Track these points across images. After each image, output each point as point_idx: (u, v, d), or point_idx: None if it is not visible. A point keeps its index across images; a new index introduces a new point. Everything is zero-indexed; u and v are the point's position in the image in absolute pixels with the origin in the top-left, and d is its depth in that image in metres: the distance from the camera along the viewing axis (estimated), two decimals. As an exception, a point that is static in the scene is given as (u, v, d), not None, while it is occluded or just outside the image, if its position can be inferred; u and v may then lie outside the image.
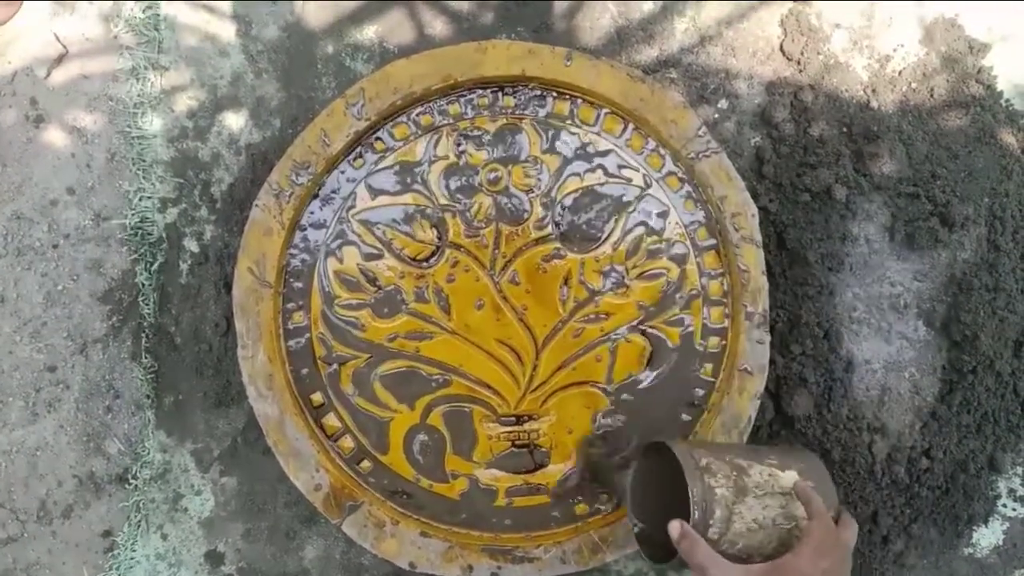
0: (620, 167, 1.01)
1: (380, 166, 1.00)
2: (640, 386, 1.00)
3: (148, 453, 1.03)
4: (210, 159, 1.05)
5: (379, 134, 1.00)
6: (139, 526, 1.03)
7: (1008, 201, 1.07)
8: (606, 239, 1.00)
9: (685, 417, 1.00)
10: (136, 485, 1.03)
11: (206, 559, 1.03)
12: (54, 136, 1.05)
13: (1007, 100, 1.10)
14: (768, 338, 0.99)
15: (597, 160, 1.01)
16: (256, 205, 0.97)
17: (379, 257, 0.99)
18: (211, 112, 1.06)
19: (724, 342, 1.00)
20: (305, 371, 0.98)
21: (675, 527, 0.77)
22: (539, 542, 0.97)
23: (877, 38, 1.09)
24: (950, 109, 1.08)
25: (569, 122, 1.01)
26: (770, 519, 0.78)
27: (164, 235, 1.04)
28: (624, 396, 1.00)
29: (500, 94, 1.01)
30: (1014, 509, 1.09)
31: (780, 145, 1.06)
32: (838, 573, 0.74)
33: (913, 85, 1.08)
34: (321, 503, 0.95)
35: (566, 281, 1.00)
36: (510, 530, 0.98)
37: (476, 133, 1.00)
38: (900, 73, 1.09)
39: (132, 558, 1.03)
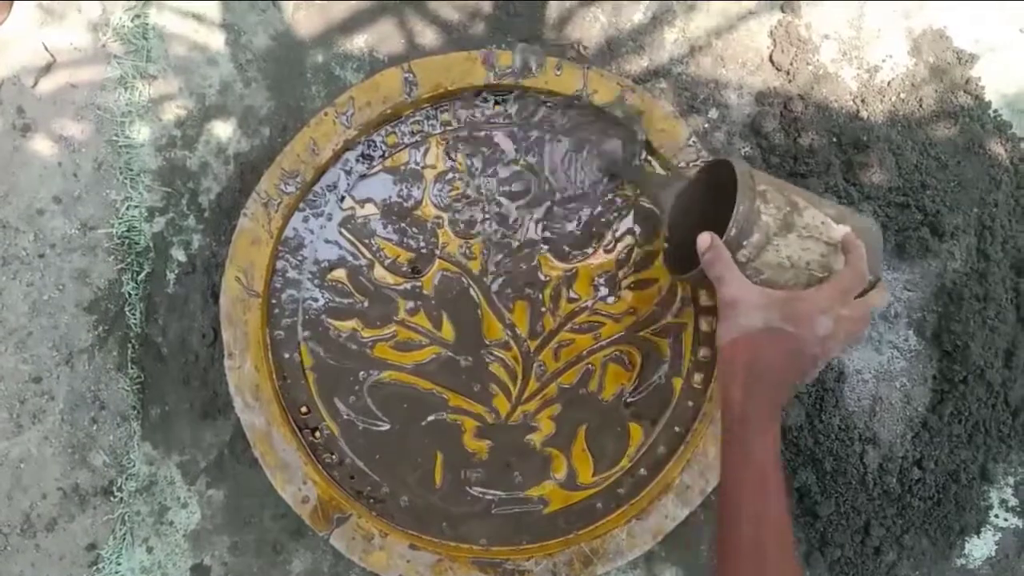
0: (611, 175, 1.01)
1: (369, 175, 0.99)
2: (633, 396, 0.99)
3: (134, 465, 1.02)
4: (198, 168, 1.05)
5: (368, 143, 1.00)
6: (124, 539, 1.02)
7: (997, 211, 1.07)
8: (597, 248, 1.00)
9: (677, 429, 0.99)
10: (121, 498, 1.02)
11: (192, 573, 1.01)
12: (41, 145, 1.05)
13: (995, 111, 1.10)
14: (759, 348, 0.98)
15: (587, 168, 1.01)
16: (244, 214, 0.96)
17: (369, 267, 0.99)
18: (199, 121, 1.05)
19: (715, 352, 1.00)
20: (293, 382, 0.97)
21: (704, 237, 0.76)
22: (530, 554, 0.96)
23: (866, 49, 1.10)
24: (939, 119, 1.08)
25: (559, 131, 1.01)
26: (804, 261, 0.76)
27: (151, 244, 1.04)
28: (615, 406, 0.99)
29: (490, 103, 1.01)
30: (1006, 520, 1.09)
31: (770, 155, 1.07)
32: (853, 327, 0.73)
33: (902, 95, 1.09)
34: (309, 515, 0.94)
35: (557, 291, 0.99)
36: (500, 543, 0.97)
37: (466, 142, 1.00)
38: (889, 84, 1.09)
39: (117, 572, 1.01)
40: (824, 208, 0.78)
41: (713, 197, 0.81)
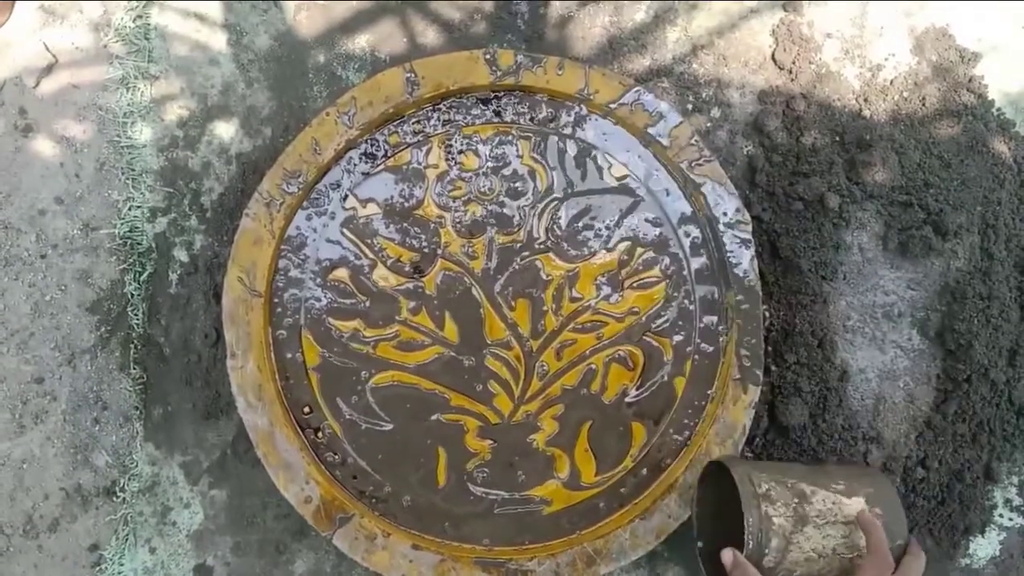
0: (613, 175, 1.01)
1: (371, 175, 0.99)
2: (634, 395, 0.99)
3: (136, 465, 1.02)
4: (200, 168, 1.05)
5: (370, 143, 1.00)
6: (127, 540, 1.01)
7: (1001, 209, 1.07)
8: (599, 248, 1.00)
9: (676, 436, 0.99)
10: (124, 498, 1.02)
11: (195, 573, 1.01)
12: (43, 146, 1.05)
13: (998, 109, 1.10)
14: (762, 347, 0.98)
15: (589, 168, 1.01)
16: (246, 214, 0.96)
17: (371, 267, 0.98)
18: (201, 121, 1.05)
19: (718, 351, 1.00)
20: (295, 382, 0.97)
21: (727, 556, 0.76)
22: (533, 554, 0.95)
23: (868, 47, 1.10)
24: (942, 118, 1.08)
25: (561, 130, 1.01)
26: (830, 548, 0.76)
27: (153, 245, 1.03)
28: (617, 406, 0.99)
29: (492, 103, 1.01)
30: (1010, 519, 1.09)
31: (773, 154, 1.06)
32: None
33: (905, 94, 1.08)
34: (311, 515, 0.93)
35: (559, 290, 0.99)
36: (503, 543, 0.97)
37: (468, 142, 1.00)
38: (892, 82, 1.09)
39: (120, 572, 1.01)
40: (832, 484, 0.79)
41: (725, 491, 0.82)
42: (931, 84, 1.09)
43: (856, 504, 0.77)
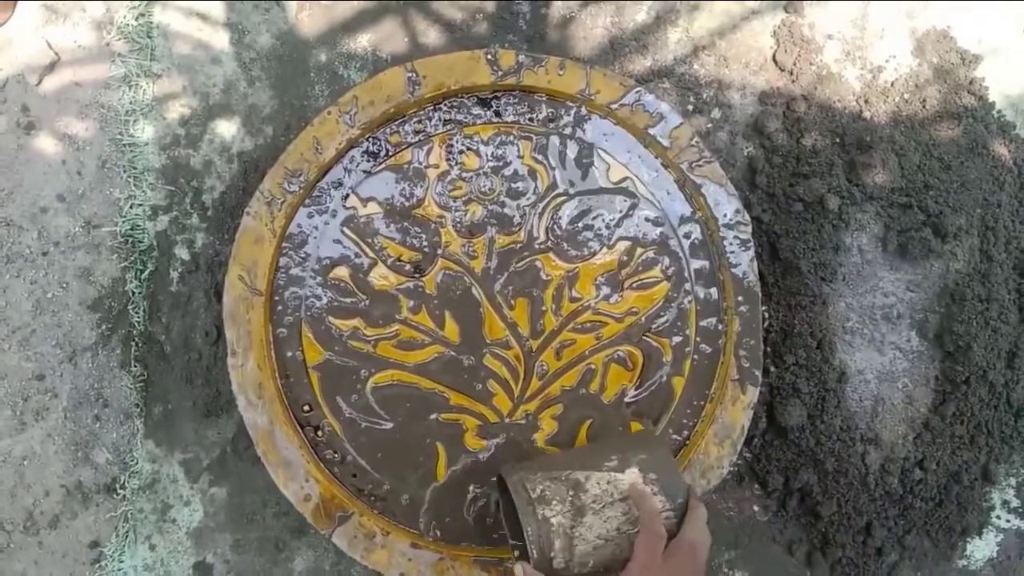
0: (613, 176, 1.01)
1: (372, 174, 0.99)
2: (634, 395, 0.99)
3: (136, 463, 1.02)
4: (202, 167, 1.05)
5: (371, 142, 1.00)
6: (127, 537, 1.02)
7: (1000, 212, 1.07)
8: (599, 248, 1.00)
9: (675, 437, 0.99)
10: (124, 495, 1.02)
11: (195, 570, 1.02)
12: (45, 143, 1.05)
13: (999, 111, 1.10)
14: (761, 348, 0.98)
15: (590, 168, 1.01)
16: (247, 213, 0.96)
17: (371, 266, 0.99)
18: (203, 120, 1.05)
19: (717, 352, 1.00)
20: (295, 380, 0.97)
21: (518, 571, 0.77)
22: (531, 553, 0.96)
23: (869, 49, 1.10)
24: (942, 120, 1.08)
25: (562, 131, 1.01)
26: (614, 529, 0.76)
27: (155, 243, 1.04)
28: (616, 406, 0.99)
29: (493, 103, 1.01)
30: (1008, 521, 1.09)
31: (773, 155, 1.07)
32: (684, 572, 0.72)
33: (905, 96, 1.08)
34: (311, 513, 0.94)
35: (559, 290, 0.99)
36: (502, 542, 0.97)
37: (468, 141, 1.00)
38: (892, 84, 1.09)
39: (120, 569, 1.02)
40: (605, 463, 0.78)
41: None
42: (932, 86, 1.09)
43: (630, 476, 0.77)
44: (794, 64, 1.08)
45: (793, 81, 1.08)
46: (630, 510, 0.76)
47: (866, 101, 1.08)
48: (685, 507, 0.77)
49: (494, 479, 0.88)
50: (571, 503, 0.76)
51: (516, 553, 0.85)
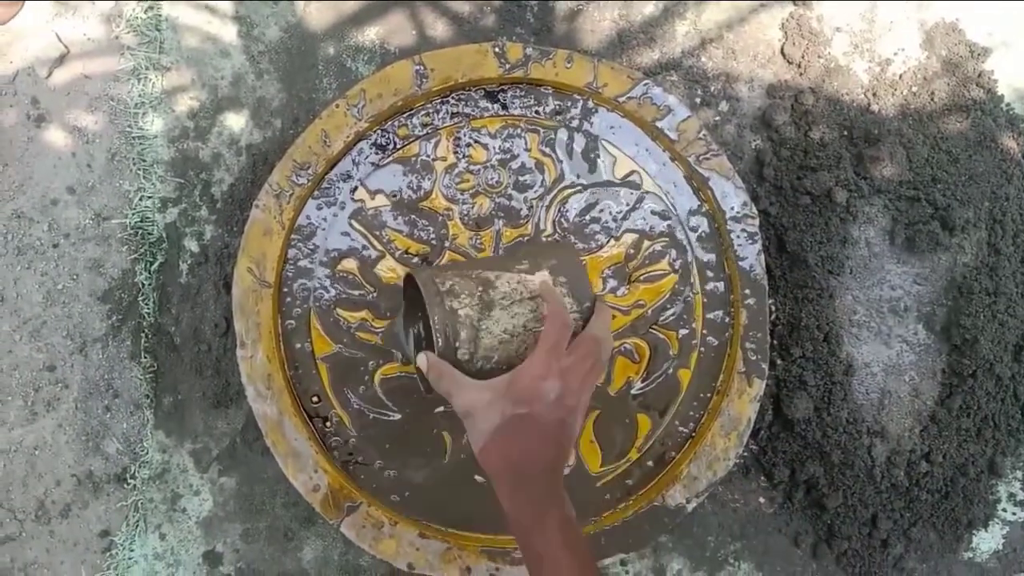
0: (620, 169, 1.01)
1: (380, 167, 1.00)
2: (640, 388, 1.00)
3: (147, 453, 1.03)
4: (211, 159, 1.06)
5: (379, 135, 1.00)
6: (137, 526, 1.03)
7: (1008, 205, 1.07)
8: (606, 241, 1.00)
9: (682, 428, 1.00)
10: (134, 485, 1.03)
11: (204, 559, 1.03)
12: (55, 136, 1.05)
13: (1008, 104, 1.10)
14: (768, 341, 0.99)
15: (597, 161, 1.01)
16: (256, 205, 0.97)
17: (379, 258, 0.99)
18: (212, 112, 1.06)
19: (723, 345, 1.00)
20: (304, 371, 0.98)
21: (422, 360, 0.76)
22: (538, 544, 0.96)
23: (878, 42, 1.10)
24: (951, 113, 1.08)
25: (569, 123, 1.01)
26: (520, 326, 0.76)
27: (164, 235, 1.04)
28: (623, 397, 0.99)
29: (500, 96, 1.01)
30: (1014, 513, 1.09)
31: (781, 148, 1.06)
32: (586, 366, 0.72)
33: (914, 89, 1.08)
34: (319, 504, 0.94)
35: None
36: (509, 531, 0.98)
37: (476, 134, 1.01)
38: (901, 77, 1.09)
39: (130, 558, 1.03)
40: (516, 266, 0.79)
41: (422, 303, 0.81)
42: (940, 79, 1.08)
43: (539, 277, 0.78)
44: (802, 57, 1.07)
45: (801, 74, 1.08)
46: (538, 308, 0.77)
47: (874, 94, 1.08)
48: (591, 312, 0.78)
49: (403, 281, 0.88)
50: (480, 298, 0.76)
51: (414, 352, 0.86)
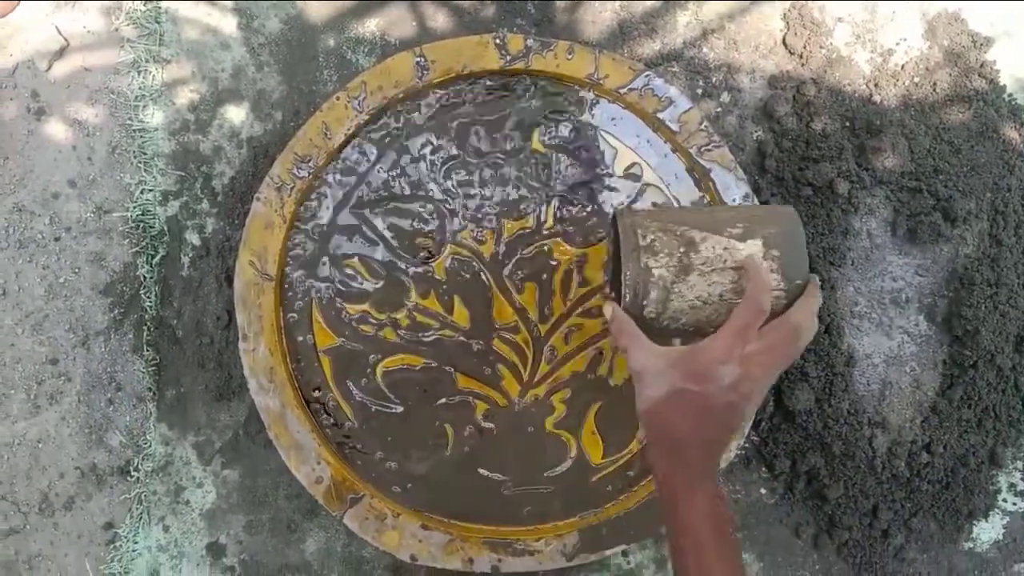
0: (621, 161, 1.01)
1: (381, 159, 1.00)
2: (641, 380, 1.00)
3: (150, 445, 1.03)
4: (211, 152, 1.05)
5: (380, 127, 1.00)
6: (141, 518, 1.03)
7: (1011, 196, 1.07)
8: (608, 232, 1.00)
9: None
10: (138, 477, 1.03)
11: (208, 551, 1.03)
12: (55, 129, 1.05)
13: (1010, 95, 1.10)
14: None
15: (598, 153, 1.01)
16: (257, 198, 0.97)
17: (381, 250, 0.99)
18: (212, 105, 1.06)
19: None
20: (306, 364, 0.98)
21: (607, 310, 0.76)
22: (540, 535, 0.97)
23: (880, 32, 1.09)
24: (953, 104, 1.08)
25: (571, 115, 1.01)
26: (716, 295, 0.74)
27: (165, 228, 1.04)
28: (624, 389, 1.00)
29: (502, 87, 1.01)
30: (1014, 504, 1.09)
31: (782, 139, 1.06)
32: (771, 357, 0.70)
33: (916, 79, 1.08)
34: (322, 496, 0.95)
35: (567, 275, 1.00)
36: (511, 523, 0.98)
37: (478, 126, 1.00)
38: (903, 67, 1.08)
39: (134, 550, 1.03)
40: (727, 229, 0.75)
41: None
42: (942, 69, 1.08)
43: (750, 247, 0.73)
44: (804, 47, 1.07)
45: (803, 65, 1.08)
46: (739, 280, 0.73)
47: (876, 85, 1.08)
48: (800, 292, 0.74)
49: (611, 219, 0.84)
50: (679, 260, 0.73)
51: (612, 294, 0.82)
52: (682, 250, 0.74)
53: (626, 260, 0.74)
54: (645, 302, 0.74)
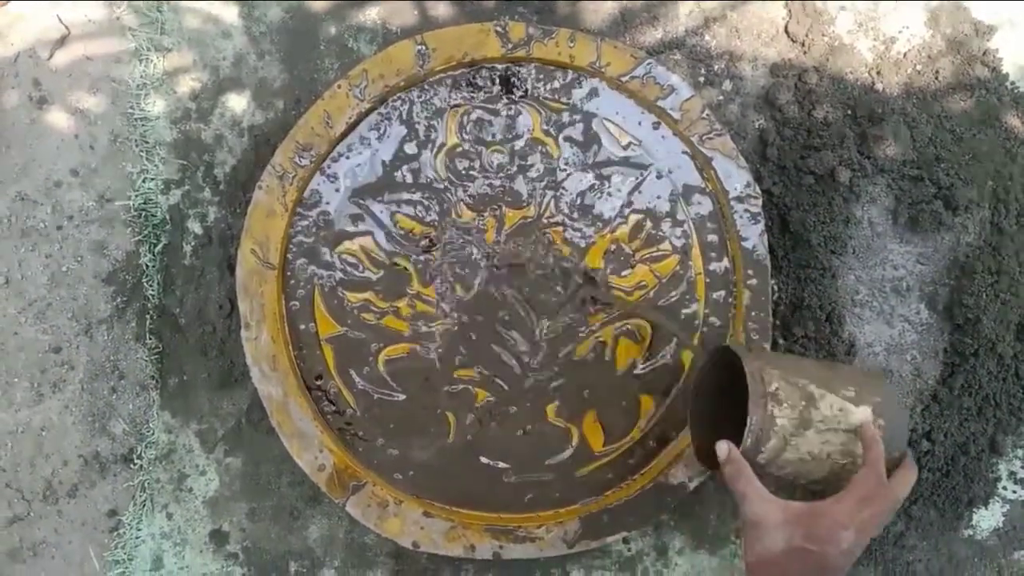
0: (623, 148, 1.01)
1: (383, 148, 1.00)
2: (643, 368, 1.00)
3: (153, 433, 1.04)
4: (213, 141, 1.05)
5: (381, 116, 1.00)
6: (144, 506, 1.04)
7: (1012, 184, 1.06)
8: (609, 222, 1.00)
9: (684, 409, 1.00)
10: (141, 465, 1.04)
11: (211, 538, 1.04)
12: (57, 118, 1.05)
13: (1012, 83, 1.09)
14: (770, 321, 0.99)
15: (599, 141, 1.01)
16: (259, 187, 0.97)
17: (382, 239, 0.99)
18: (214, 93, 1.06)
19: (726, 325, 1.00)
20: (309, 352, 0.99)
21: (723, 449, 0.77)
22: (541, 522, 0.97)
23: (882, 20, 1.09)
24: (955, 91, 1.07)
25: (572, 103, 1.01)
26: (826, 452, 0.77)
27: (167, 216, 1.05)
28: (626, 378, 1.00)
29: (503, 75, 1.01)
30: (1014, 492, 1.10)
31: (784, 127, 1.06)
32: (877, 523, 0.74)
33: (918, 67, 1.08)
34: (325, 483, 0.95)
35: (569, 263, 1.00)
36: (512, 510, 0.99)
37: (479, 115, 1.00)
38: (905, 55, 1.08)
39: (137, 537, 1.04)
40: (842, 389, 0.78)
41: (728, 378, 0.82)
42: (945, 57, 1.08)
43: (862, 414, 0.77)
44: (806, 35, 1.07)
45: (805, 53, 1.07)
46: (848, 443, 0.76)
47: (878, 73, 1.07)
48: (898, 463, 0.78)
49: (712, 352, 0.89)
50: (800, 413, 0.76)
51: (691, 431, 0.87)
52: (803, 404, 0.77)
53: (754, 404, 0.76)
54: (763, 448, 0.77)
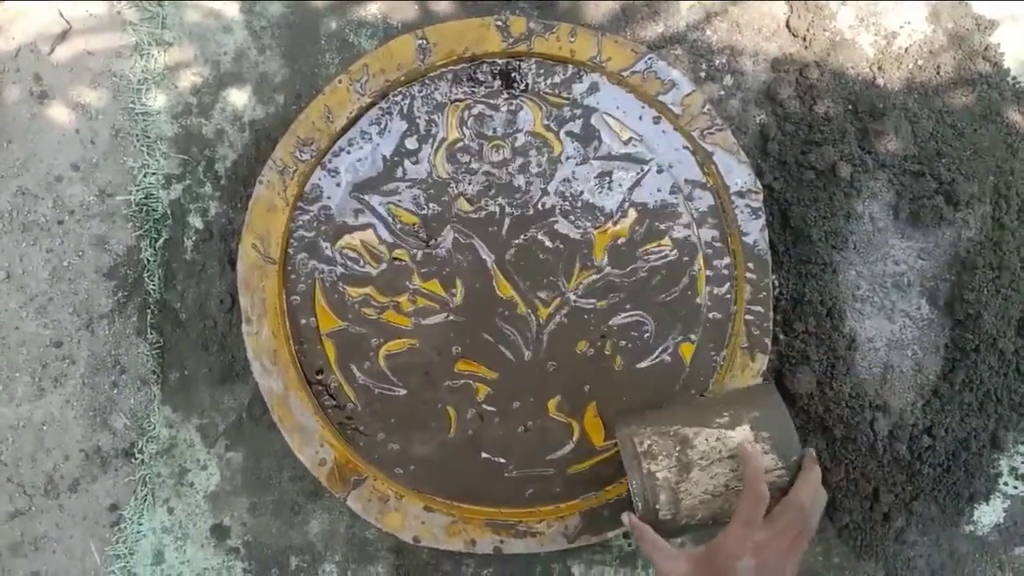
0: (624, 143, 1.01)
1: (383, 142, 1.00)
2: (644, 363, 1.00)
3: (154, 428, 1.04)
4: (214, 135, 1.05)
5: (382, 110, 1.00)
6: (145, 500, 1.04)
7: (1013, 179, 1.06)
8: (610, 216, 1.00)
9: (693, 392, 1.00)
10: (142, 460, 1.04)
11: (212, 532, 1.04)
12: (58, 112, 1.05)
13: (1014, 78, 1.09)
14: (771, 316, 0.99)
15: (600, 136, 1.01)
16: (260, 182, 0.97)
17: (383, 233, 0.99)
18: (215, 88, 1.06)
19: (727, 320, 1.00)
20: (309, 347, 0.99)
21: (624, 520, 0.80)
22: (542, 517, 0.97)
23: (884, 15, 1.09)
24: (956, 87, 1.07)
25: (573, 98, 1.01)
26: (721, 485, 0.77)
27: (168, 211, 1.05)
28: (626, 373, 1.00)
29: (504, 70, 1.01)
30: (1015, 487, 1.10)
31: (785, 123, 1.06)
32: (783, 538, 0.72)
33: (919, 62, 1.08)
34: (326, 477, 0.95)
35: (570, 258, 1.00)
36: (512, 505, 0.99)
37: (480, 109, 1.00)
38: (906, 50, 1.08)
39: (139, 531, 1.04)
40: (715, 420, 0.78)
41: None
42: (946, 52, 1.08)
43: (740, 434, 0.77)
44: (807, 30, 1.07)
45: (806, 47, 1.07)
46: (738, 467, 0.76)
47: (880, 68, 1.07)
48: (799, 466, 0.77)
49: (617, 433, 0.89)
50: (677, 459, 0.77)
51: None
52: (678, 449, 0.78)
53: (629, 470, 0.78)
54: (657, 506, 0.77)
